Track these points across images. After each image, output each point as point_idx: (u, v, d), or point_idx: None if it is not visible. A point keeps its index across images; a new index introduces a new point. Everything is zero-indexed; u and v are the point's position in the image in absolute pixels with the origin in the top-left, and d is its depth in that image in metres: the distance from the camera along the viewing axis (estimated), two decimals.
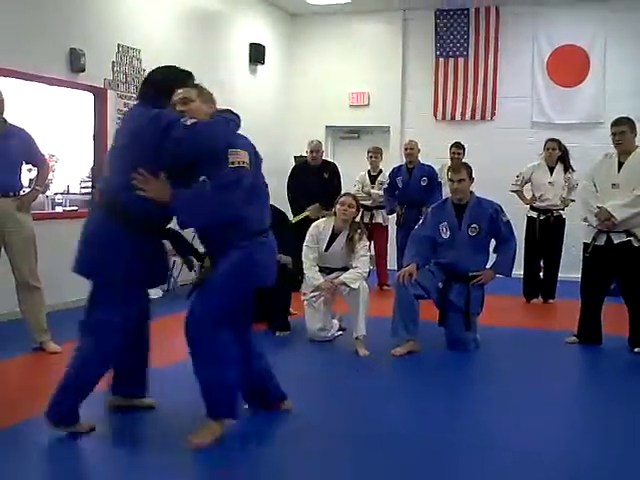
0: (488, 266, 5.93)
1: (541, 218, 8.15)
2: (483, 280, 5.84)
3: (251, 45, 10.55)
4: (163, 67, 4.00)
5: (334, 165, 8.78)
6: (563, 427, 4.20)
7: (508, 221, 5.93)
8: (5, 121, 5.50)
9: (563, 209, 8.19)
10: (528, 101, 10.71)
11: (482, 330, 6.03)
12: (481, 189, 6.16)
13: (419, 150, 8.96)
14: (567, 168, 8.18)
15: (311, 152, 8.41)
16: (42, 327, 5.53)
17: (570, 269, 8.28)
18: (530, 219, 8.21)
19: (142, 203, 3.59)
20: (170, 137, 3.54)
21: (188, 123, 3.57)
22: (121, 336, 3.77)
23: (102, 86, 7.71)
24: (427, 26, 11.12)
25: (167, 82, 3.81)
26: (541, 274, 8.36)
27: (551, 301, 8.29)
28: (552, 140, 8.26)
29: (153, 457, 3.57)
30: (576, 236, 6.63)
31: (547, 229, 8.12)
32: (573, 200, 8.14)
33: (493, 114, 10.89)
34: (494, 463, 3.57)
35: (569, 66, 10.50)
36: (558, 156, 8.16)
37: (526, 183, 8.38)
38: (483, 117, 10.94)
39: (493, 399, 4.70)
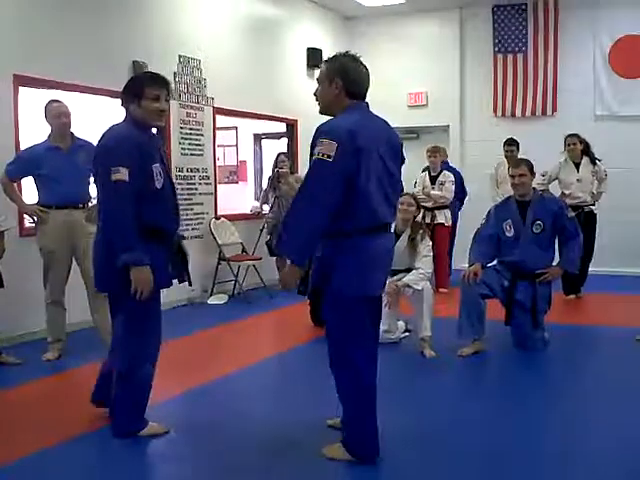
0: (554, 263, 5.86)
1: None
2: (550, 277, 5.77)
3: (308, 49, 10.62)
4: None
5: None
6: (633, 429, 4.10)
7: (573, 217, 5.86)
8: (73, 135, 5.67)
9: (594, 204, 8.06)
10: (590, 94, 10.50)
11: (549, 328, 5.95)
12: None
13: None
14: (593, 161, 8.06)
15: None
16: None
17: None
18: None
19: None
20: (99, 179, 3.69)
21: (113, 178, 3.56)
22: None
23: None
24: (485, 23, 11.02)
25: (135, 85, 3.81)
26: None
27: (579, 295, 8.18)
28: (571, 135, 8.17)
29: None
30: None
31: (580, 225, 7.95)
32: (603, 192, 8.09)
33: (554, 109, 10.73)
34: (557, 469, 3.53)
35: (631, 57, 10.26)
36: (580, 150, 8.05)
37: (553, 181, 8.27)
38: (544, 112, 10.78)
39: (563, 400, 4.62)
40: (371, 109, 3.51)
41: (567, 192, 8.06)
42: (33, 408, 4.49)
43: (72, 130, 5.66)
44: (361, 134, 3.28)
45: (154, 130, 4.08)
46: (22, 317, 6.10)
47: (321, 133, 3.28)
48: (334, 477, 3.45)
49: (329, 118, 3.41)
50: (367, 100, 3.50)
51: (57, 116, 5.53)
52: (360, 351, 3.44)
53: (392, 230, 3.70)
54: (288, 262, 3.35)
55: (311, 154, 3.33)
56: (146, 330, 3.84)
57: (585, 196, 8.01)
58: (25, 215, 6.09)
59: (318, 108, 3.53)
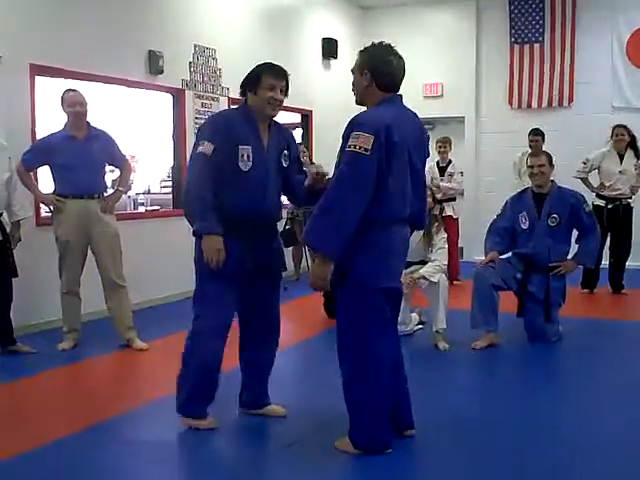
0: (569, 257, 5.83)
1: (609, 207, 7.89)
2: (564, 270, 5.74)
3: (324, 40, 10.58)
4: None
5: None
6: None
7: (591, 211, 5.81)
8: (88, 124, 5.68)
9: (631, 197, 7.97)
10: (607, 85, 10.41)
11: (564, 321, 5.92)
12: (560, 177, 6.05)
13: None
14: (638, 154, 7.94)
15: None
16: (128, 325, 5.69)
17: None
18: (597, 207, 7.72)
19: None
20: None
21: (198, 150, 3.65)
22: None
23: (180, 87, 7.86)
24: (501, 13, 10.94)
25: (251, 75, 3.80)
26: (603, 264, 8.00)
27: (623, 291, 8.04)
28: (620, 126, 7.98)
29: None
30: None
31: (616, 218, 7.88)
32: None
33: (571, 100, 10.65)
34: (566, 464, 3.48)
35: None
36: (627, 142, 7.93)
37: (593, 170, 8.14)
38: (560, 104, 10.70)
39: (577, 396, 4.58)
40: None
41: (607, 183, 7.92)
42: (48, 398, 4.52)
43: (88, 119, 5.67)
44: (397, 129, 3.28)
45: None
46: (37, 306, 6.14)
47: (357, 125, 3.25)
48: (343, 470, 3.44)
49: (364, 109, 3.43)
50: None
51: (72, 105, 5.54)
52: (379, 345, 3.42)
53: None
54: (317, 259, 3.28)
55: (343, 145, 3.30)
56: (212, 316, 3.73)
57: (625, 189, 7.88)
58: (42, 204, 6.12)
59: (354, 99, 3.57)
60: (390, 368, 3.51)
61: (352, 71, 3.54)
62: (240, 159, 3.67)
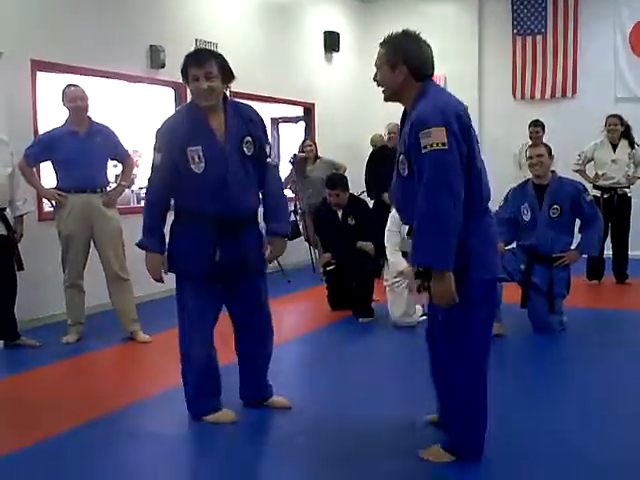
0: (573, 247, 5.82)
1: (605, 197, 7.88)
2: (567, 261, 5.72)
3: (325, 33, 10.57)
4: None
5: None
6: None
7: (592, 201, 5.80)
8: (90, 119, 5.68)
9: (628, 187, 7.95)
10: (610, 76, 10.38)
11: (568, 311, 5.90)
12: (564, 169, 6.04)
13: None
14: (632, 144, 7.94)
15: (389, 133, 8.44)
16: (132, 317, 5.70)
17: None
18: (594, 198, 7.81)
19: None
20: None
21: (152, 162, 3.66)
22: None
23: (181, 81, 7.82)
24: (503, 4, 10.91)
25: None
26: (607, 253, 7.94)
27: (627, 281, 8.02)
28: (613, 116, 8.00)
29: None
30: None
31: (612, 208, 7.84)
32: (639, 177, 7.96)
33: (574, 91, 10.62)
34: (570, 454, 3.47)
35: None
36: (621, 132, 7.92)
37: (589, 162, 8.13)
38: (564, 95, 10.67)
39: (580, 390, 4.54)
40: None
41: (601, 172, 7.93)
42: (53, 390, 4.54)
43: (89, 114, 5.68)
44: (463, 112, 3.06)
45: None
46: (41, 300, 6.17)
47: (422, 124, 2.95)
48: (352, 460, 3.45)
49: (424, 106, 3.05)
50: None
51: (73, 100, 5.54)
52: (487, 344, 3.24)
53: None
54: (434, 275, 2.94)
55: (407, 147, 3.05)
56: (191, 314, 3.79)
57: (619, 177, 7.87)
58: (44, 199, 6.13)
59: (382, 95, 3.27)
60: None
61: (377, 65, 3.20)
62: (191, 162, 3.55)
